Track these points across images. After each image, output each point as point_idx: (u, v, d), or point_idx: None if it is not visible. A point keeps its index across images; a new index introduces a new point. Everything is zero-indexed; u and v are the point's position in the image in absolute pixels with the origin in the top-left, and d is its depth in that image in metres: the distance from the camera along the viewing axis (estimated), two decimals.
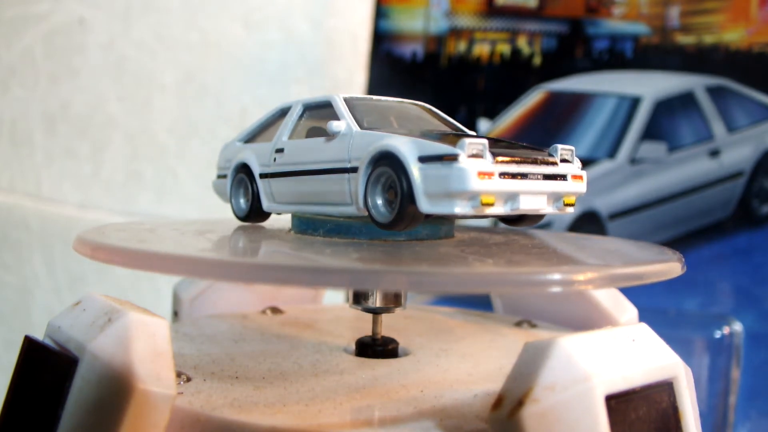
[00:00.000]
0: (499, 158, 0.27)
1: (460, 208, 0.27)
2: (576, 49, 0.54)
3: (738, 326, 0.48)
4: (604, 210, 0.52)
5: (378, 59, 0.59)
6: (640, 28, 0.52)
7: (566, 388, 0.22)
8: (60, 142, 0.66)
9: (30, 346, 0.27)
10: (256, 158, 0.35)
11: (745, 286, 0.48)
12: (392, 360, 0.31)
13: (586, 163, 0.52)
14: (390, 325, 0.36)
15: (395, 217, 0.28)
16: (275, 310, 0.40)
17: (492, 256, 0.28)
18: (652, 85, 0.52)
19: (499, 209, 0.27)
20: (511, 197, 0.27)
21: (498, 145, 0.29)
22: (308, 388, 0.27)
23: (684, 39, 0.51)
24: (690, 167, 0.50)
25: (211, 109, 0.66)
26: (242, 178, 0.36)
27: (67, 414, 0.24)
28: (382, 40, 0.59)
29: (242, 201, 0.36)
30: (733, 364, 0.47)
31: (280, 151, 0.34)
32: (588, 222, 0.52)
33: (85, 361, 0.24)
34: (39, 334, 0.27)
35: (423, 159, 0.27)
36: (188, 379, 0.28)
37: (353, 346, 0.33)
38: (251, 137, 0.37)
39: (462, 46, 0.57)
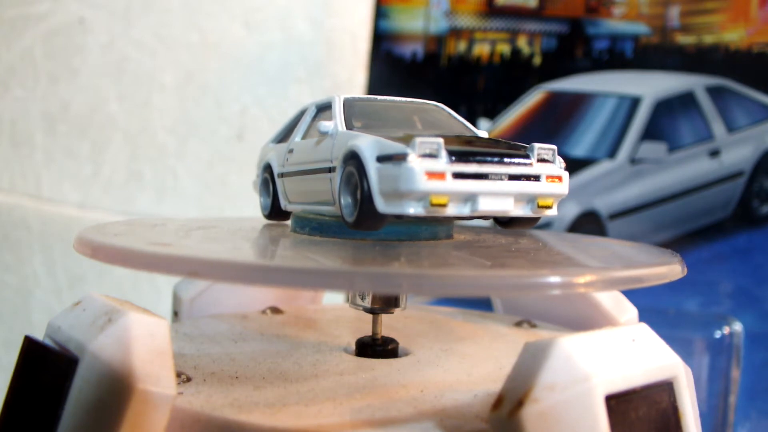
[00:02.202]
0: (456, 158, 0.26)
1: (413, 209, 0.26)
2: (576, 49, 0.54)
3: (738, 326, 0.48)
4: (604, 210, 0.52)
5: (378, 59, 0.59)
6: (640, 28, 0.52)
7: (566, 388, 0.22)
8: (60, 142, 0.66)
9: (30, 346, 0.27)
10: (276, 158, 0.36)
11: (745, 286, 0.48)
12: (392, 360, 0.31)
13: (586, 163, 0.52)
14: (390, 325, 0.36)
15: (356, 217, 0.28)
16: (275, 310, 0.40)
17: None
18: (652, 85, 0.52)
19: (456, 210, 0.27)
20: (470, 198, 0.27)
21: (463, 143, 0.28)
22: (308, 388, 0.27)
23: (684, 39, 0.51)
24: (690, 167, 0.50)
25: (211, 109, 0.66)
26: (266, 178, 0.37)
27: (67, 414, 0.24)
28: (382, 40, 0.59)
29: (266, 200, 0.37)
30: (733, 364, 0.47)
31: (291, 151, 0.35)
32: (588, 222, 0.52)
33: (85, 361, 0.24)
34: (39, 334, 0.27)
35: (380, 159, 0.27)
36: (188, 379, 0.28)
37: (353, 346, 0.33)
38: (280, 138, 0.38)
39: (462, 46, 0.57)
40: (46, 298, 0.66)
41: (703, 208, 0.50)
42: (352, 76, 0.66)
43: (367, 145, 0.27)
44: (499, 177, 0.27)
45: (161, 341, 0.24)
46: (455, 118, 0.34)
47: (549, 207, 0.28)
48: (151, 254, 0.25)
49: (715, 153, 0.50)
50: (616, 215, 0.52)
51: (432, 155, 0.26)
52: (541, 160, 0.28)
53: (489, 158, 0.27)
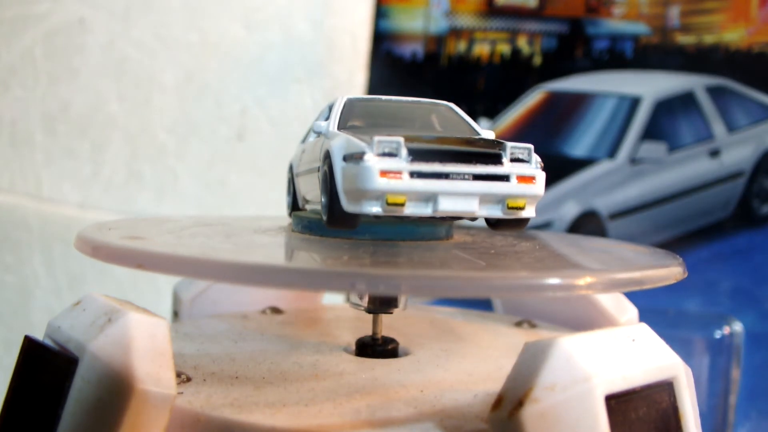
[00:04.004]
0: (415, 157, 0.26)
1: (374, 208, 0.26)
2: (576, 49, 0.54)
3: (738, 326, 0.48)
4: (605, 210, 0.52)
5: (378, 59, 0.59)
6: (640, 28, 0.52)
7: (566, 389, 0.22)
8: (60, 142, 0.66)
9: (30, 346, 0.27)
10: (295, 158, 0.37)
11: (745, 286, 0.48)
12: (392, 360, 0.31)
13: (586, 163, 0.52)
14: (390, 325, 0.36)
15: (328, 216, 0.28)
16: (275, 310, 0.40)
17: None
18: (652, 85, 0.52)
19: (416, 210, 0.26)
20: (431, 198, 0.26)
21: (427, 141, 0.27)
22: (308, 388, 0.27)
23: (684, 39, 0.51)
24: (690, 167, 0.50)
25: (211, 109, 0.66)
26: (289, 178, 0.38)
27: (67, 414, 0.24)
28: (382, 40, 0.59)
29: (289, 199, 0.38)
30: (734, 364, 0.47)
31: (303, 151, 0.35)
32: (588, 222, 0.52)
33: (85, 361, 0.24)
34: (39, 334, 0.27)
35: (345, 158, 0.27)
36: (188, 379, 0.28)
37: (353, 346, 0.33)
38: (305, 138, 0.38)
39: (462, 46, 0.57)
40: (46, 298, 0.66)
41: (703, 208, 0.50)
42: (352, 76, 0.66)
43: (337, 145, 0.27)
44: (461, 177, 0.26)
45: (161, 341, 0.24)
46: (461, 117, 0.34)
47: (521, 208, 0.27)
48: (107, 246, 0.26)
49: (715, 153, 0.50)
50: (616, 215, 0.52)
51: (391, 154, 0.26)
52: (515, 160, 0.27)
53: (452, 157, 0.26)
